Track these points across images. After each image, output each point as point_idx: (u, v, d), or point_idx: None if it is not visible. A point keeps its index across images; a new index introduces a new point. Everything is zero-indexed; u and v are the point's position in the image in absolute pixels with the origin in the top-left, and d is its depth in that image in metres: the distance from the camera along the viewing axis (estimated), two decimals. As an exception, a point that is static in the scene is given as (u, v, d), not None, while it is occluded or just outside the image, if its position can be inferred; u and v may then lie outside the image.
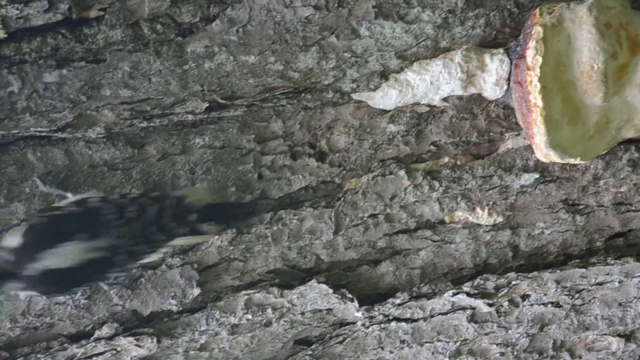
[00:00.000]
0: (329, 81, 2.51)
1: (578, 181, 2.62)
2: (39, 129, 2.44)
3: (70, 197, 2.40)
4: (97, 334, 2.47)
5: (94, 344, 2.46)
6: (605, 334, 2.67)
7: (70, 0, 2.41)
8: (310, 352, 2.54)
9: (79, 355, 2.46)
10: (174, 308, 2.50)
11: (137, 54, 2.43)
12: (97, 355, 2.47)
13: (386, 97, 2.53)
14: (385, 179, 2.55)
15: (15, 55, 2.41)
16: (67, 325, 2.48)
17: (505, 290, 2.59)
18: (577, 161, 2.47)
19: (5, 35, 2.41)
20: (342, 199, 2.55)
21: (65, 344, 2.47)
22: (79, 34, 2.41)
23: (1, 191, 2.45)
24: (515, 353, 2.63)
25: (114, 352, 2.46)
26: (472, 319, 2.58)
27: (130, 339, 2.47)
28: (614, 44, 2.44)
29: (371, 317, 2.54)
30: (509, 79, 2.53)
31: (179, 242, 2.40)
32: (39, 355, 2.45)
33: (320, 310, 2.53)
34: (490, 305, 2.57)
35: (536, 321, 2.63)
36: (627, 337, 2.68)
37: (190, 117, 2.50)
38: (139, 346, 2.47)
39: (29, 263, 2.18)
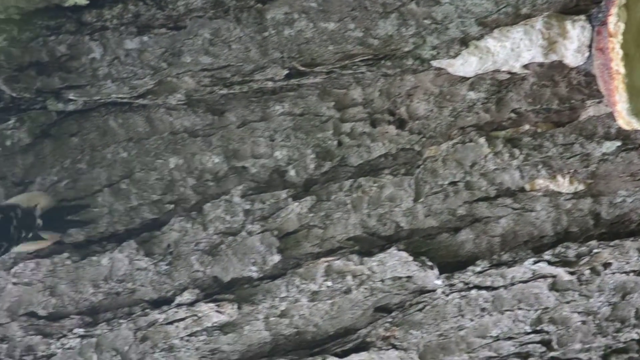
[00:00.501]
0: (409, 48, 2.49)
1: (660, 149, 2.59)
2: (120, 96, 2.45)
3: None
4: (178, 299, 2.48)
5: (175, 309, 2.47)
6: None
7: (151, -33, 2.41)
8: (390, 320, 2.53)
9: (160, 320, 2.47)
10: (254, 274, 2.50)
11: (217, 20, 2.43)
12: (178, 321, 2.48)
13: (466, 64, 2.51)
14: (465, 146, 2.53)
15: (97, 22, 2.42)
16: (149, 291, 2.49)
17: (587, 259, 2.56)
18: (660, 128, 2.44)
19: (87, 2, 2.42)
20: (422, 166, 2.53)
21: (147, 310, 2.48)
22: (160, 0, 2.41)
23: (83, 157, 2.47)
24: (596, 322, 2.60)
25: (195, 317, 2.47)
26: (553, 287, 2.56)
27: (211, 305, 2.47)
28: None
29: (451, 285, 2.52)
30: (590, 46, 2.50)
31: (21, 248, 2.36)
32: (121, 321, 2.47)
33: (400, 278, 2.52)
34: (571, 273, 2.55)
35: (618, 290, 2.60)
36: None
37: (269, 84, 2.49)
38: (220, 312, 2.47)
39: None
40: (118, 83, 2.45)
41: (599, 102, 2.56)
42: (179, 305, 2.47)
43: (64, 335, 2.46)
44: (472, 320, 2.53)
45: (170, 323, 2.47)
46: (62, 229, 2.44)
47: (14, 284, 2.44)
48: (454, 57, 2.50)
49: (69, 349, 2.45)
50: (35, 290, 2.45)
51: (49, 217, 2.31)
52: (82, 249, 2.47)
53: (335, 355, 2.50)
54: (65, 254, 2.45)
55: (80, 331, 2.45)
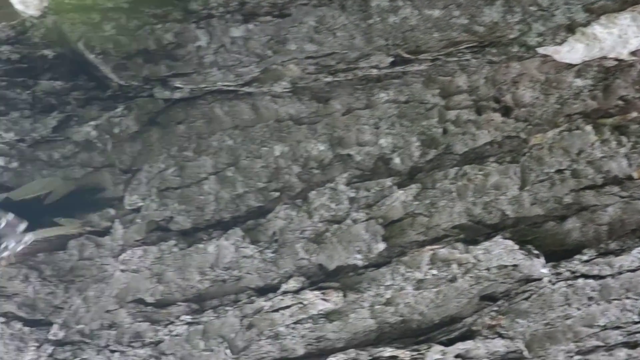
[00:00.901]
0: (514, 35, 2.47)
1: None
2: (226, 83, 2.46)
3: None
4: (283, 287, 2.48)
5: (280, 297, 2.48)
6: None
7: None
8: (495, 308, 2.51)
9: (266, 308, 2.47)
10: (359, 262, 2.49)
11: (322, 8, 2.43)
12: (283, 308, 2.48)
13: (572, 51, 2.48)
14: (572, 134, 2.51)
15: (203, 10, 2.43)
16: (255, 279, 2.49)
17: (696, 247, 2.53)
18: None
19: (194, -10, 2.43)
20: (528, 154, 2.51)
21: (253, 297, 2.48)
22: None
23: (190, 145, 2.48)
24: None
25: (301, 305, 2.47)
26: (661, 276, 2.53)
27: (317, 292, 2.47)
28: None
29: (558, 274, 2.50)
30: (699, 32, 2.46)
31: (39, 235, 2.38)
32: (227, 308, 2.48)
33: (505, 266, 2.50)
34: (680, 262, 2.52)
35: None
36: None
37: (374, 71, 2.49)
38: (325, 300, 2.47)
39: None
40: (224, 71, 2.46)
41: None
42: (285, 292, 2.47)
43: (171, 322, 2.47)
44: (579, 309, 2.51)
45: (276, 310, 2.48)
46: (78, 213, 2.44)
47: (122, 271, 2.46)
48: (560, 44, 2.48)
49: (176, 335, 2.46)
50: (143, 277, 2.47)
51: (66, 202, 2.32)
52: (189, 237, 2.48)
53: (441, 343, 2.49)
54: (172, 242, 2.46)
55: (187, 318, 2.46)
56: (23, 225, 2.41)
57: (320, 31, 2.44)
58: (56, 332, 2.45)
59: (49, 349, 2.44)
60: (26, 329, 2.44)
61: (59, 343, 2.45)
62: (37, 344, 2.44)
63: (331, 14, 2.43)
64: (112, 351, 2.46)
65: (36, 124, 2.43)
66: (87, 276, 2.46)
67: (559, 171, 2.52)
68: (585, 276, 2.50)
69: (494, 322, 2.50)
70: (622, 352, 2.52)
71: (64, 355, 2.45)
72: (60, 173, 2.44)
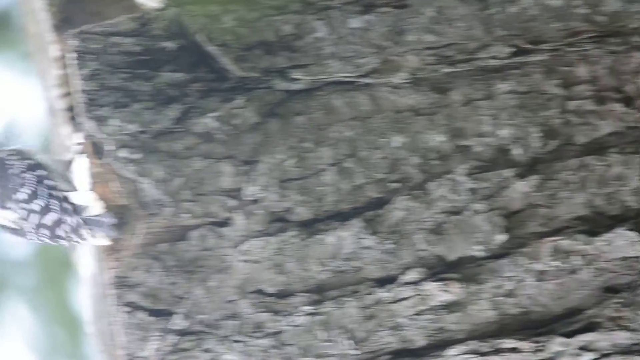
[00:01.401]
0: (636, 25, 2.44)
1: None
2: (344, 75, 2.46)
3: None
4: (403, 278, 2.48)
5: (400, 288, 2.48)
6: None
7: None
8: (618, 301, 2.49)
9: (385, 299, 2.47)
10: (479, 254, 2.48)
11: (441, -2, 2.42)
12: (403, 299, 2.48)
13: (696, 40, 2.45)
14: (695, 123, 2.48)
15: (322, 1, 2.44)
16: (374, 270, 2.50)
17: None
18: None
19: (313, -19, 2.43)
20: (651, 144, 2.49)
21: (373, 288, 2.48)
22: (385, -19, 2.41)
23: (309, 136, 2.48)
24: None
25: (420, 297, 2.47)
26: None
27: (437, 284, 2.47)
28: None
29: (682, 265, 2.48)
30: None
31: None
32: (347, 299, 2.48)
33: (628, 258, 2.48)
34: None
35: None
36: None
37: (493, 62, 2.47)
38: (446, 291, 2.47)
39: None
40: (342, 62, 2.46)
41: None
42: (405, 284, 2.47)
43: (292, 313, 2.48)
44: None
45: (395, 302, 2.48)
46: None
47: (243, 261, 2.47)
48: (683, 32, 2.44)
49: (296, 326, 2.47)
50: (264, 268, 2.48)
51: None
52: (309, 228, 2.49)
53: (562, 335, 2.47)
54: (292, 232, 2.47)
55: (308, 309, 2.47)
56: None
57: (439, 22, 2.44)
58: (179, 322, 2.47)
59: (172, 338, 2.46)
60: (149, 318, 2.47)
61: (182, 333, 2.47)
62: (160, 334, 2.46)
63: (450, 5, 2.43)
64: (234, 341, 2.48)
65: (158, 116, 2.46)
66: (208, 267, 2.48)
67: (683, 161, 2.49)
68: None
69: (617, 314, 2.48)
70: None
71: (187, 344, 2.47)
72: (181, 164, 2.46)
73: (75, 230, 2.51)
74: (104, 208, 2.49)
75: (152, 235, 2.48)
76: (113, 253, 2.49)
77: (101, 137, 2.46)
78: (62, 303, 4.88)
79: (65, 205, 2.51)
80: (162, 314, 2.49)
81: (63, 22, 2.79)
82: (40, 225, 2.52)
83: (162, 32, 2.48)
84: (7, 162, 2.56)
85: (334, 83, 2.48)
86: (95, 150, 2.48)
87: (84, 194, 2.51)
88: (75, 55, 2.46)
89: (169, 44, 2.47)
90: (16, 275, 4.95)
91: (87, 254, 2.77)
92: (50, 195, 2.52)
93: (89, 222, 2.49)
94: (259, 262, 2.48)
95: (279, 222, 2.49)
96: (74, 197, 2.53)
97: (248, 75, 2.46)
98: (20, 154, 2.59)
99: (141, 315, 2.48)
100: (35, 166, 2.56)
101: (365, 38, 2.45)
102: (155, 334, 2.47)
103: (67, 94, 2.74)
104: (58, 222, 2.52)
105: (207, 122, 2.47)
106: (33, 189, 2.53)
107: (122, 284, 2.48)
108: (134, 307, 2.48)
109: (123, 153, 2.46)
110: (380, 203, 2.50)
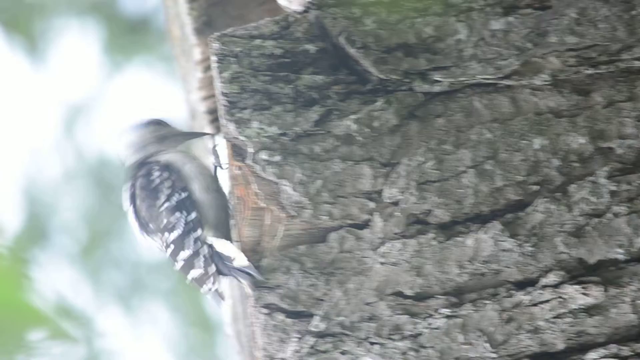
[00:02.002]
0: None
1: None
2: (485, 77, 2.46)
3: None
4: (543, 281, 2.47)
5: (539, 291, 2.47)
6: None
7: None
8: None
9: (525, 302, 2.47)
10: (621, 257, 2.47)
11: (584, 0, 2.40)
12: (542, 302, 2.47)
13: None
14: None
15: (464, 4, 2.44)
16: (514, 272, 2.49)
17: None
18: None
19: (452, -17, 2.42)
20: None
21: (512, 291, 2.48)
22: (527, -19, 2.39)
23: (449, 138, 2.48)
24: None
25: (560, 299, 2.46)
26: None
27: (577, 287, 2.46)
28: None
29: None
30: None
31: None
32: (486, 301, 2.48)
33: None
34: None
35: None
36: None
37: (637, 63, 2.45)
38: (586, 294, 2.45)
39: None
40: (483, 64, 2.45)
41: None
42: (544, 286, 2.46)
43: (430, 315, 2.48)
44: None
45: (536, 304, 2.47)
46: None
47: (382, 263, 2.48)
48: None
49: (435, 329, 2.47)
50: (402, 270, 2.48)
51: None
52: (447, 230, 2.48)
53: None
54: (431, 235, 2.47)
55: (446, 311, 2.47)
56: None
57: (581, 23, 2.42)
58: (317, 323, 2.47)
59: (311, 340, 2.47)
60: (288, 320, 2.48)
61: (320, 335, 2.48)
62: (299, 335, 2.47)
63: (593, 6, 2.41)
64: (372, 343, 2.49)
65: (298, 118, 2.46)
66: (347, 269, 2.48)
67: None
68: None
69: None
70: None
71: (325, 346, 2.48)
72: (320, 166, 2.46)
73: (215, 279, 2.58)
74: (247, 258, 2.49)
75: (292, 237, 2.49)
76: (252, 255, 2.50)
77: (241, 139, 2.46)
78: (198, 305, 4.94)
79: (210, 253, 2.58)
80: (301, 315, 2.49)
81: (205, 26, 2.81)
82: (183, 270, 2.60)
83: (304, 34, 2.48)
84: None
85: (474, 85, 2.48)
86: (235, 152, 2.49)
87: (229, 245, 2.53)
88: (216, 58, 2.46)
89: (310, 47, 2.48)
90: (153, 278, 5.02)
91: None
92: (196, 242, 2.57)
93: (235, 273, 2.51)
94: (398, 265, 2.48)
95: (417, 224, 2.49)
96: (219, 246, 2.57)
97: (388, 77, 2.46)
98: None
99: (280, 317, 2.48)
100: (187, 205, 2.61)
101: (507, 40, 2.44)
102: (294, 335, 2.48)
103: (209, 97, 2.76)
104: (201, 277, 2.59)
105: (347, 124, 2.47)
106: (181, 233, 2.60)
107: (261, 285, 2.48)
108: (273, 308, 2.49)
109: (263, 155, 2.46)
110: (520, 205, 2.49)
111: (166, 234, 2.62)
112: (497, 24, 2.43)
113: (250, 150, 2.45)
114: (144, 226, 2.68)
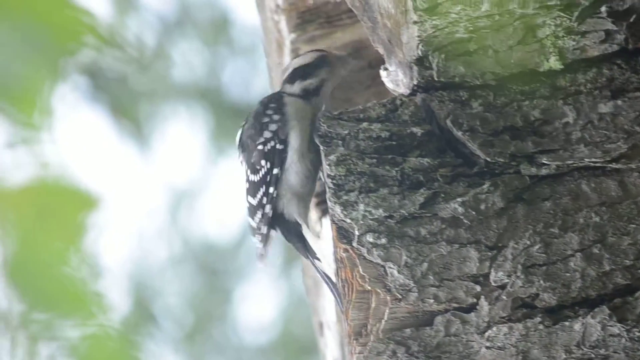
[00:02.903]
0: None
1: None
2: (593, 160, 2.44)
3: None
4: (654, 366, 2.44)
5: (653, 376, 2.44)
6: None
7: (626, 30, 2.39)
8: None
9: (633, 387, 2.44)
10: None
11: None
12: (653, 388, 2.44)
13: None
14: None
15: (571, 87, 2.42)
16: (622, 358, 2.46)
17: None
18: None
19: (562, 67, 2.42)
20: None
21: (621, 377, 2.45)
22: (635, 64, 2.39)
23: (556, 221, 2.46)
24: None
25: (675, 386, 2.43)
26: None
27: None
28: None
29: None
30: None
31: None
32: (593, 387, 2.45)
33: None
34: None
35: None
36: None
37: None
38: (696, 381, 2.42)
39: None
40: (591, 147, 2.44)
41: None
42: (653, 373, 2.43)
43: (539, 399, 2.46)
44: None
45: (646, 390, 2.44)
46: None
47: (488, 347, 2.46)
48: None
49: (542, 413, 2.45)
50: (509, 354, 2.46)
51: None
52: (554, 314, 2.47)
53: None
54: (538, 319, 2.45)
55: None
56: None
57: (691, 106, 2.40)
58: (425, 406, 2.46)
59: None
60: (396, 403, 2.47)
61: (425, 418, 2.47)
62: (405, 420, 2.46)
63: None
64: None
65: (404, 201, 2.46)
66: (453, 352, 2.47)
67: None
68: None
69: None
70: None
71: None
72: (426, 249, 2.46)
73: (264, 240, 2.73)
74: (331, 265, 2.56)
75: (397, 320, 2.48)
76: (359, 337, 2.49)
77: (347, 222, 2.46)
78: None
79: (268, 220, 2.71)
80: (406, 399, 2.48)
81: None
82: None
83: (410, 117, 2.48)
84: None
85: (582, 168, 2.47)
86: (341, 234, 2.48)
87: (319, 242, 2.65)
88: (323, 140, 2.47)
89: (417, 129, 2.48)
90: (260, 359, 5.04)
91: (331, 340, 2.79)
92: (263, 196, 2.71)
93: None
94: (504, 349, 2.47)
95: (524, 307, 2.48)
96: (309, 235, 2.74)
97: (495, 160, 2.45)
98: None
99: (387, 400, 2.47)
100: None
101: (615, 123, 2.43)
102: (401, 418, 2.47)
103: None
104: (253, 230, 2.75)
105: (454, 207, 2.46)
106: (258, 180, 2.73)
107: (367, 367, 2.48)
108: (379, 391, 2.48)
109: (369, 238, 2.46)
110: (628, 290, 2.47)
111: (248, 170, 2.71)
112: (605, 107, 2.42)
113: (357, 232, 2.45)
114: (241, 146, 2.80)
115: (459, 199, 2.47)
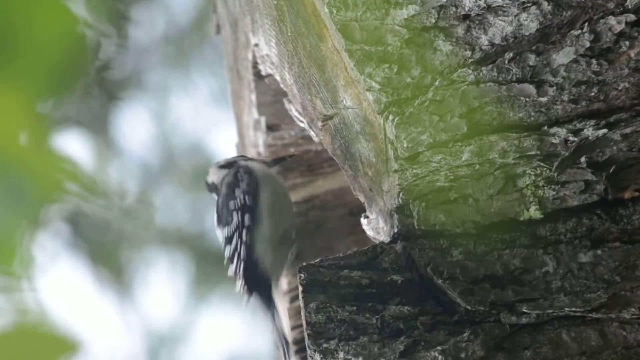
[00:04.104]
0: None
1: None
2: (573, 309, 2.44)
3: None
4: None
5: None
6: None
7: (606, 181, 2.43)
8: None
9: None
10: None
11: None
12: None
13: None
14: None
15: (551, 236, 2.44)
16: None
17: None
18: None
19: (542, 216, 2.45)
20: None
21: None
22: (614, 214, 2.42)
23: (531, 371, 2.44)
24: None
25: None
26: None
27: None
28: None
29: None
30: None
31: None
32: None
33: None
34: None
35: None
36: None
37: None
38: None
39: None
40: (571, 296, 2.44)
41: None
42: None
43: None
44: None
45: None
46: None
47: None
48: None
49: None
50: None
51: None
52: None
53: None
54: None
55: None
56: None
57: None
58: None
59: None
60: None
61: None
62: None
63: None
64: None
65: (384, 349, 2.43)
66: None
67: None
68: None
69: None
70: None
71: None
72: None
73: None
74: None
75: None
76: None
77: (327, 370, 2.43)
78: None
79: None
80: None
81: (295, 258, 2.83)
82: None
83: (391, 265, 2.49)
84: None
85: (562, 317, 2.46)
86: (321, 381, 2.45)
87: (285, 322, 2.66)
88: (302, 288, 2.46)
89: (397, 277, 2.48)
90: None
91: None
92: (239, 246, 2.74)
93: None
94: None
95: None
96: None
97: (475, 308, 2.44)
98: None
99: None
100: None
101: (595, 273, 2.44)
102: None
103: (295, 327, 2.74)
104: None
105: (434, 355, 2.44)
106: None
107: None
108: None
109: (349, 387, 2.42)
110: None
111: (225, 227, 2.75)
112: (585, 257, 2.44)
113: (337, 379, 2.41)
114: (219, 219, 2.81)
115: (439, 347, 2.44)
